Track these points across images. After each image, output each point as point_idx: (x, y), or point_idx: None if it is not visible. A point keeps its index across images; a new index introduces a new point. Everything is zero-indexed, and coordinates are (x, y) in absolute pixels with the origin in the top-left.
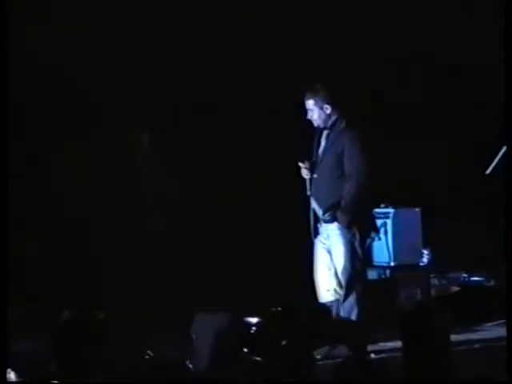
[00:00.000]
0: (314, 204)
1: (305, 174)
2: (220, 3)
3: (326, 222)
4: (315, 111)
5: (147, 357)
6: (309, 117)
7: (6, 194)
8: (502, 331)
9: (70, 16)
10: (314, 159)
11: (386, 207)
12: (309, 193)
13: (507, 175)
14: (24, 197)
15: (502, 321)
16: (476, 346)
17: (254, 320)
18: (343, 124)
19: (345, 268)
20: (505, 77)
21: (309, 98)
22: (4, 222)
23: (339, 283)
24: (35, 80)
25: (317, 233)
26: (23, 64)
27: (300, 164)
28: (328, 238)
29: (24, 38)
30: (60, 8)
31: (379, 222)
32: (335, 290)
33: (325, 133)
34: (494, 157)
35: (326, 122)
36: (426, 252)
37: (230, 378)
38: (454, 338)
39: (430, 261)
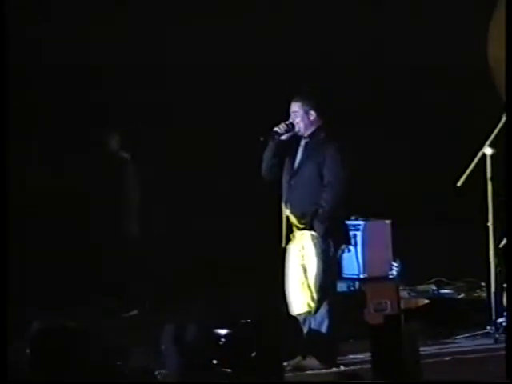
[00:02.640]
0: (288, 211)
1: (281, 128)
2: (209, 6)
3: (302, 229)
4: (299, 115)
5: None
6: (291, 119)
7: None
8: (471, 343)
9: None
10: (291, 167)
11: (357, 219)
12: (284, 200)
13: (506, 181)
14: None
15: (471, 333)
16: (445, 358)
17: (223, 331)
18: (322, 135)
19: (318, 279)
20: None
21: (296, 101)
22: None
23: (312, 296)
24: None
25: (289, 241)
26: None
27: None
28: (303, 248)
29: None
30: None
31: (350, 233)
32: (308, 304)
33: (303, 142)
34: (466, 169)
35: (306, 128)
36: (395, 264)
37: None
38: (423, 350)
39: (399, 273)
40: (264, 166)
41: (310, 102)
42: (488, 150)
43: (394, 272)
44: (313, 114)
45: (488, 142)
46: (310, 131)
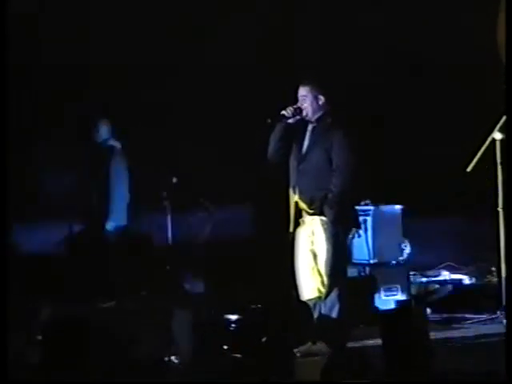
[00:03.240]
0: (297, 197)
1: (289, 112)
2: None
3: (311, 215)
4: (308, 99)
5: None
6: (299, 104)
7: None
8: (481, 329)
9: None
10: (299, 152)
11: (367, 204)
12: (293, 185)
13: (507, 172)
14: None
15: (482, 317)
16: (455, 343)
17: (234, 317)
18: (330, 120)
19: (328, 265)
20: (505, 76)
21: (305, 85)
22: None
23: (322, 281)
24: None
25: (297, 226)
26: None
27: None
28: (312, 234)
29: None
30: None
31: (360, 219)
32: (318, 289)
33: (310, 126)
34: (475, 154)
35: (315, 112)
36: (406, 250)
37: (210, 375)
38: (433, 335)
39: (409, 258)
40: (270, 149)
41: (319, 86)
42: (497, 135)
43: (404, 253)
44: (321, 99)
45: (497, 127)
46: (317, 116)
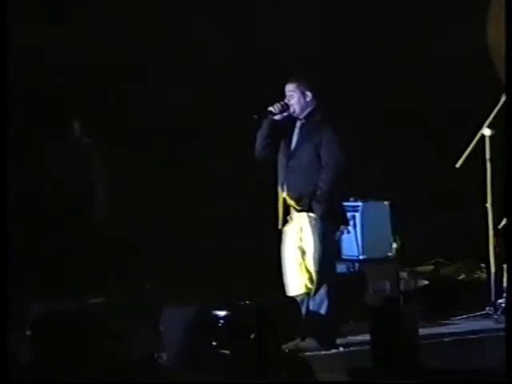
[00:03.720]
0: (285, 193)
1: (276, 108)
2: None
3: (300, 211)
4: (295, 95)
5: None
6: (286, 100)
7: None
8: (470, 325)
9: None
10: (287, 149)
11: (355, 200)
12: (281, 182)
13: (507, 171)
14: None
15: (470, 314)
16: (445, 339)
17: (222, 313)
18: (319, 116)
19: (316, 261)
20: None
21: (292, 82)
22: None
23: (310, 277)
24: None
25: (285, 223)
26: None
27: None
28: (301, 230)
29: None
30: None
31: (348, 215)
32: (305, 285)
33: (298, 123)
34: (464, 150)
35: (303, 109)
36: (394, 245)
37: (198, 371)
38: (422, 331)
39: (398, 254)
40: (257, 146)
41: (306, 82)
42: (487, 131)
43: (393, 249)
44: (309, 95)
45: (487, 123)
46: (305, 112)
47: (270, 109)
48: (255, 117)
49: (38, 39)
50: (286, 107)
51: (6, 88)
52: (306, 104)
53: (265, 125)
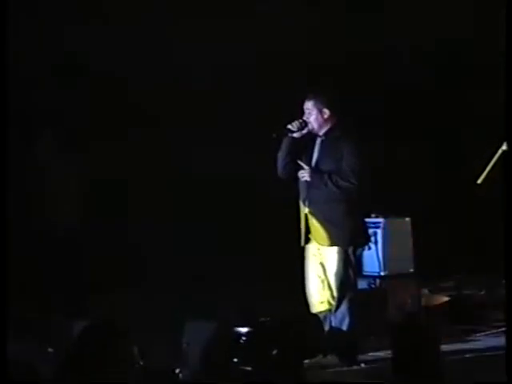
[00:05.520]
0: (306, 209)
1: (294, 125)
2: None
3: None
4: (313, 113)
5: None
6: (305, 118)
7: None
8: (493, 341)
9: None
10: (308, 164)
11: (377, 217)
12: (303, 198)
13: (506, 180)
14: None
15: (493, 330)
16: (467, 355)
17: (244, 329)
18: (338, 132)
19: (337, 277)
20: (505, 81)
21: (309, 99)
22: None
23: (332, 295)
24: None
25: (308, 240)
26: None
27: (290, 125)
28: (320, 247)
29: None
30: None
31: (369, 231)
32: (328, 302)
33: (318, 140)
34: (486, 167)
35: (321, 126)
36: (415, 262)
37: None
38: (444, 347)
39: (419, 271)
40: (279, 165)
41: (324, 99)
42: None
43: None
44: (326, 112)
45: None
46: (324, 129)
47: (289, 127)
48: (274, 135)
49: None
50: (305, 124)
51: None
52: (325, 121)
53: (284, 143)
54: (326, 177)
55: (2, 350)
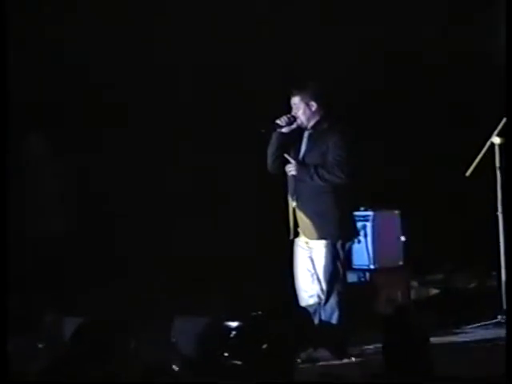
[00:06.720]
0: (294, 203)
1: (283, 120)
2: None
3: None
4: (301, 107)
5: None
6: (293, 113)
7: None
8: (482, 333)
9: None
10: (296, 159)
11: (366, 210)
12: (290, 192)
13: (506, 177)
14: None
15: (482, 323)
16: (456, 348)
17: (234, 324)
18: (326, 125)
19: (326, 271)
20: (505, 77)
21: (295, 94)
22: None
23: (321, 288)
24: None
25: (297, 234)
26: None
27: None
28: (308, 241)
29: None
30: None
31: (359, 224)
32: (318, 296)
33: (306, 133)
34: (474, 158)
35: (309, 119)
36: (402, 239)
37: (210, 382)
38: (434, 340)
39: (409, 263)
40: (268, 160)
41: (310, 92)
42: (496, 140)
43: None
44: (314, 105)
45: (496, 132)
46: (312, 122)
47: (278, 122)
48: (263, 131)
49: None
50: (293, 119)
51: None
52: (312, 114)
53: (273, 138)
54: (312, 170)
55: (2, 347)
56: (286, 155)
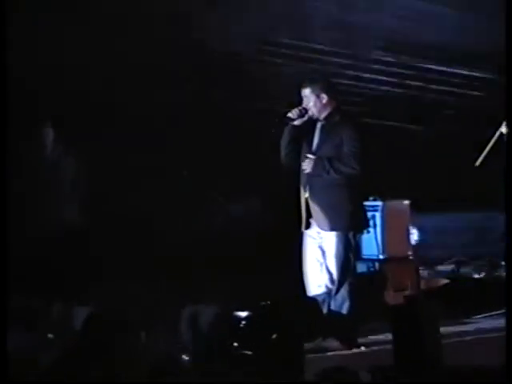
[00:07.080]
0: (306, 194)
1: (294, 113)
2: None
3: None
4: (311, 99)
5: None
6: (304, 105)
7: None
8: (491, 323)
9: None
10: (309, 150)
11: (375, 200)
12: (303, 183)
13: (506, 170)
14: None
15: (491, 313)
16: (466, 338)
17: (243, 314)
18: (338, 117)
19: (338, 261)
20: (506, 73)
21: (306, 86)
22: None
23: (331, 278)
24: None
25: (308, 225)
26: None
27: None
28: (320, 231)
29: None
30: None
31: (368, 214)
32: (326, 286)
33: (319, 125)
34: (484, 149)
35: (320, 111)
36: (413, 231)
37: (220, 372)
38: (443, 330)
39: (418, 240)
40: (282, 153)
41: (320, 84)
42: (505, 130)
43: (413, 239)
44: (324, 97)
45: (505, 122)
46: (324, 114)
47: (289, 115)
48: (273, 131)
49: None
50: (305, 111)
51: None
52: (323, 106)
53: (286, 131)
54: (327, 165)
55: (3, 343)
56: (307, 155)
